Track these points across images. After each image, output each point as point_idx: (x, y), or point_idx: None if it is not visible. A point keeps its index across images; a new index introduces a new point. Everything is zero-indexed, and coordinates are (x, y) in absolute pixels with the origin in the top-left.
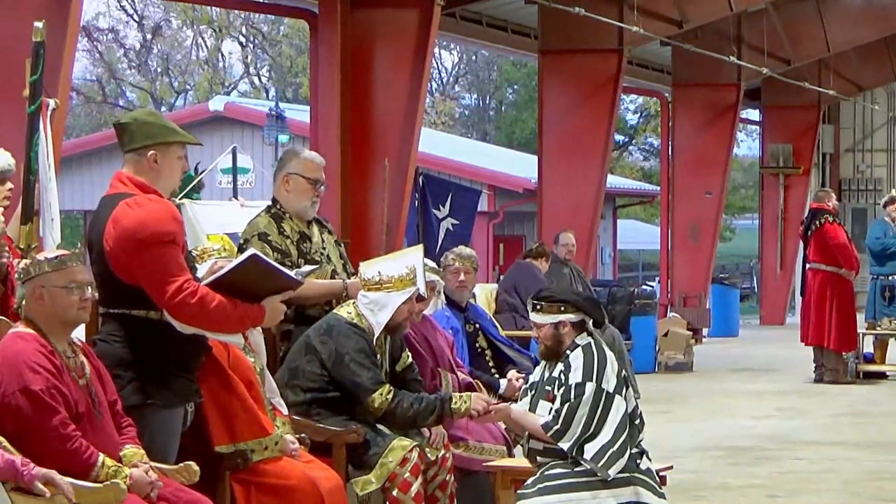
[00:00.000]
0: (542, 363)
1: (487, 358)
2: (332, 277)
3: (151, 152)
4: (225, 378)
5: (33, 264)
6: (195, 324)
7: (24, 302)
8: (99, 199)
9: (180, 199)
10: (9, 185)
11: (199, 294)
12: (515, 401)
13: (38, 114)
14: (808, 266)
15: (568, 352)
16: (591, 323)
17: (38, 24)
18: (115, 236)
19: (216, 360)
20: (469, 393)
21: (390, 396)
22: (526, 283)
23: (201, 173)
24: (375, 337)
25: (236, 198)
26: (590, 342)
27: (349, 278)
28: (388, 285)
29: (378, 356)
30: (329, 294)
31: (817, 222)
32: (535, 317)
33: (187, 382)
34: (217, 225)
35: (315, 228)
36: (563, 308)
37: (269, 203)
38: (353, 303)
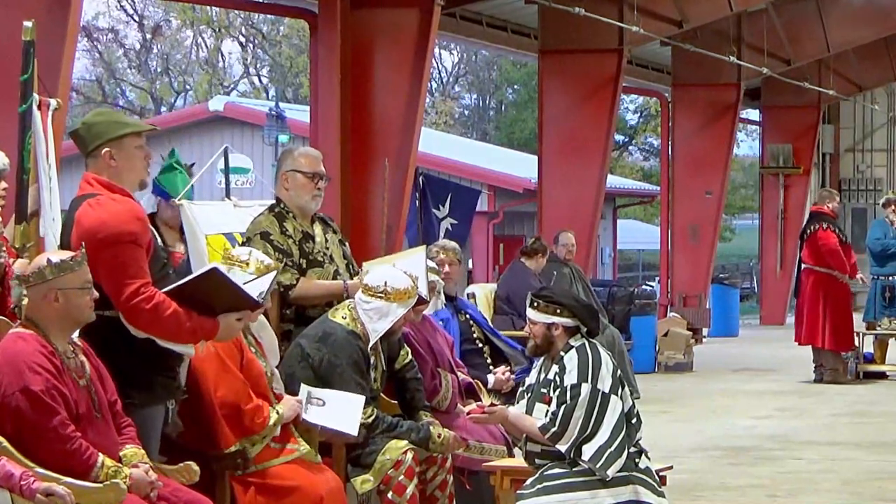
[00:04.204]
0: (538, 366)
1: (485, 354)
2: (334, 278)
3: (105, 150)
4: (231, 380)
5: (48, 267)
6: (148, 330)
7: (23, 302)
8: None
9: (179, 199)
10: (3, 184)
11: (155, 301)
12: (507, 394)
13: (29, 112)
14: (802, 267)
15: (562, 353)
16: (584, 331)
17: (28, 24)
18: (77, 236)
19: (223, 363)
20: (448, 433)
21: (370, 421)
22: (521, 293)
23: (195, 172)
24: (371, 345)
25: (229, 198)
26: (584, 343)
27: (352, 279)
28: (393, 296)
29: (373, 359)
30: (330, 295)
31: (811, 227)
32: (530, 313)
33: (167, 381)
34: (213, 225)
35: (319, 228)
36: (559, 311)
37: (273, 203)
38: (349, 306)
